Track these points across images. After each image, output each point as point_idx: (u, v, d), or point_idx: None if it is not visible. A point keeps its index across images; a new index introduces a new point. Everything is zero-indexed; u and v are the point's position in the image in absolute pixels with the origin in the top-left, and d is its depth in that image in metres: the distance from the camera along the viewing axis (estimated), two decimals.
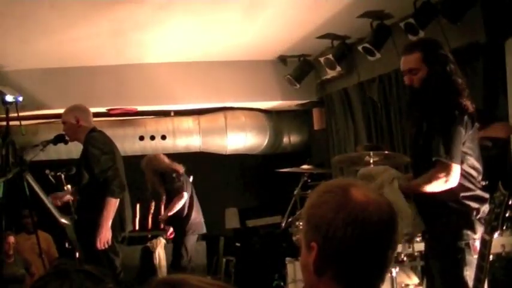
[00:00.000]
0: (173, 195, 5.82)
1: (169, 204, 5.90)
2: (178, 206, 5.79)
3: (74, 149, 5.45)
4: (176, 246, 5.87)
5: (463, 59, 4.09)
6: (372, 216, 1.30)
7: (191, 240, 5.86)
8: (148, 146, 7.11)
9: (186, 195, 5.80)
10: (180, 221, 5.84)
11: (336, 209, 1.30)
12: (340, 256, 1.30)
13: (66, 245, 4.43)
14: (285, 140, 7.78)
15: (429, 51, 2.82)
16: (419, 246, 3.33)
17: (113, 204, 4.09)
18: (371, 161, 3.76)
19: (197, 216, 5.93)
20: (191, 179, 6.19)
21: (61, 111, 4.54)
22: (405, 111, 3.01)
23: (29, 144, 4.75)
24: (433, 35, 4.38)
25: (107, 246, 4.09)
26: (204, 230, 6.03)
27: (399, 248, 3.37)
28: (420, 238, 3.21)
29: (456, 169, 2.69)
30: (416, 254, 3.49)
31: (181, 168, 5.93)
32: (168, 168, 5.90)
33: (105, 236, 4.06)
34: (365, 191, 1.34)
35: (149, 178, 5.96)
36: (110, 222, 4.08)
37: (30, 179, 4.22)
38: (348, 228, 1.28)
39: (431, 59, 2.80)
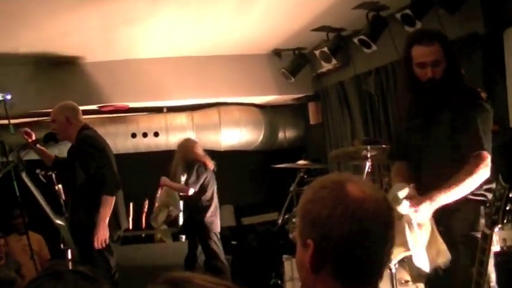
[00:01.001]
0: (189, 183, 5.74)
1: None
2: (179, 191, 5.78)
3: (65, 148, 5.37)
4: (205, 246, 5.76)
5: (462, 49, 4.05)
6: (369, 212, 1.28)
7: (215, 238, 5.79)
8: (141, 143, 7.06)
9: (191, 191, 5.71)
10: (198, 221, 5.76)
11: (332, 205, 1.28)
12: (337, 253, 1.28)
13: (62, 246, 4.37)
14: (281, 135, 7.70)
15: (445, 42, 2.83)
16: None
17: (110, 202, 4.07)
18: (368, 155, 3.70)
19: (212, 214, 5.84)
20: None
21: (50, 109, 4.46)
22: (413, 103, 2.95)
23: (19, 144, 4.66)
24: (431, 25, 4.33)
25: (104, 245, 4.06)
26: (218, 229, 5.94)
27: None
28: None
29: (490, 160, 2.72)
30: None
31: (210, 164, 5.77)
32: (195, 159, 5.76)
33: (102, 235, 4.04)
34: (361, 187, 1.32)
35: (177, 160, 5.85)
36: (107, 221, 4.05)
37: (26, 179, 4.18)
38: (345, 224, 1.26)
39: (447, 50, 2.81)
